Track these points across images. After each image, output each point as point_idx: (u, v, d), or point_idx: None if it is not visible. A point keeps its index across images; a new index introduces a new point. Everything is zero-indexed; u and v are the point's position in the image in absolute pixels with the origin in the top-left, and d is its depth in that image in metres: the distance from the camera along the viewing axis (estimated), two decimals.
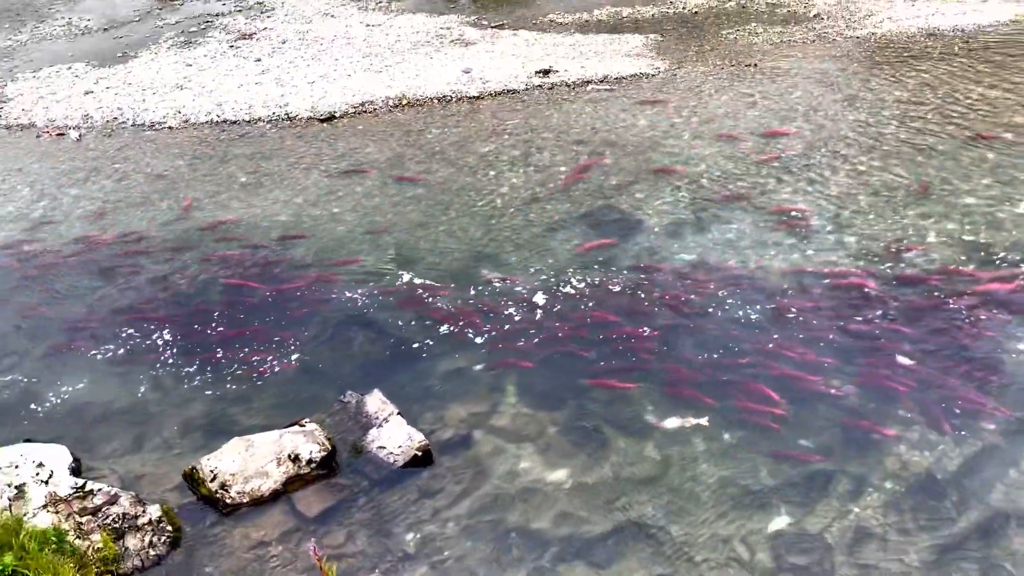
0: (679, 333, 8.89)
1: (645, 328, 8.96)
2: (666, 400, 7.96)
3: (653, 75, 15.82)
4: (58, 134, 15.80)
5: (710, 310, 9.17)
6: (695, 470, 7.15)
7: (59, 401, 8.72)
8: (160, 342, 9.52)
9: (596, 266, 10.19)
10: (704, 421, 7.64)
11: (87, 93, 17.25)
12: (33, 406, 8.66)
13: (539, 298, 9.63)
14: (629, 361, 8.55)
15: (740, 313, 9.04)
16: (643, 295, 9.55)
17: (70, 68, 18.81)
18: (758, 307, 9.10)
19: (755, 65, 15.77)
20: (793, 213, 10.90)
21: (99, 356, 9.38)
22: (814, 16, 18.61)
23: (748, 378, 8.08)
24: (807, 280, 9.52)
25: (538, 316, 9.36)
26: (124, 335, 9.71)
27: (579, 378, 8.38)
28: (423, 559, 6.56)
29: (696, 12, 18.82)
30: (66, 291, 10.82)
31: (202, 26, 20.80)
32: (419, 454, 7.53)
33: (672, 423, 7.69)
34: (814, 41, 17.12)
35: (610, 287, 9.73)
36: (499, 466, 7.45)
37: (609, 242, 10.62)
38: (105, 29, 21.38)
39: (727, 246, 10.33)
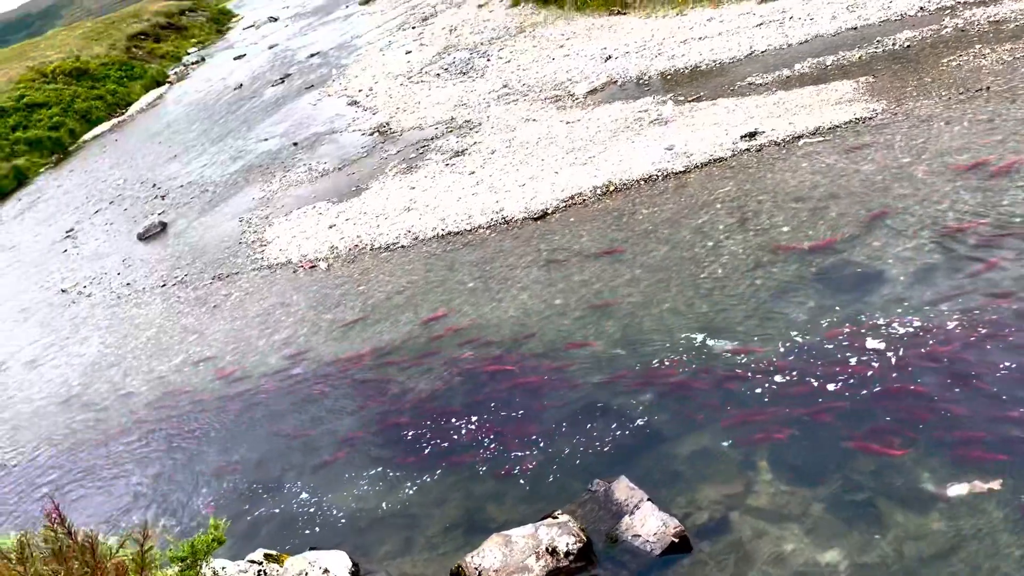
0: (948, 388, 8.01)
1: (908, 384, 8.18)
2: (946, 464, 7.14)
3: (870, 118, 14.94)
4: (311, 266, 17.80)
5: (979, 361, 8.20)
6: (994, 542, 6.28)
7: (335, 510, 9.50)
8: (416, 446, 10.14)
9: (838, 322, 9.54)
10: (996, 484, 6.74)
11: (330, 227, 19.37)
12: (313, 516, 9.51)
13: (779, 365, 9.15)
14: (893, 423, 7.81)
15: (1016, 362, 8.00)
16: (898, 349, 8.76)
17: (314, 207, 21.27)
18: None
19: (987, 88, 14.41)
20: None
21: (365, 466, 10.16)
22: None
23: None
24: None
25: (781, 384, 8.88)
26: (384, 443, 10.47)
27: (839, 446, 7.77)
28: None
29: (908, 46, 17.67)
30: (331, 408, 11.93)
31: (420, 151, 22.80)
32: (676, 540, 7.29)
33: (958, 490, 6.86)
34: None
35: (858, 345, 9.05)
36: (763, 549, 7.01)
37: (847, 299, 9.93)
38: (339, 168, 24.06)
39: (986, 290, 9.28)
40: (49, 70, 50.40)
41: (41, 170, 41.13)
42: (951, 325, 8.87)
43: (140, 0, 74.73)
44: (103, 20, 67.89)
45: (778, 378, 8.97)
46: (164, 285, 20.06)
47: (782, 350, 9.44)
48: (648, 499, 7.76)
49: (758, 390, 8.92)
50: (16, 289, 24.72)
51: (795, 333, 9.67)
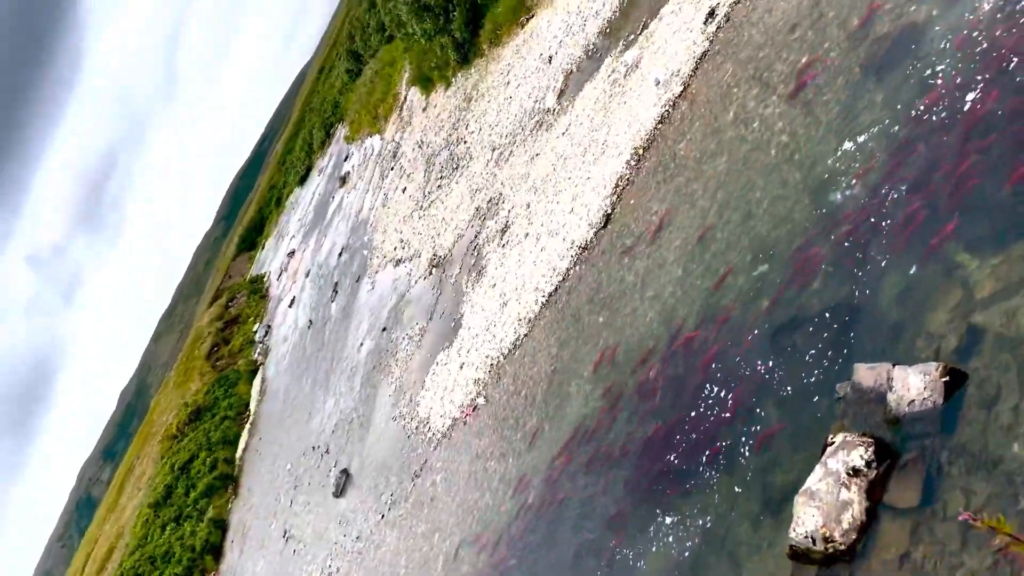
0: None
1: None
2: None
3: None
4: (472, 410, 18.22)
5: None
6: None
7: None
8: (676, 478, 10.06)
9: (920, 93, 9.05)
10: None
11: (461, 367, 19.87)
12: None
13: (891, 163, 8.71)
14: None
15: None
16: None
17: (436, 363, 21.91)
18: None
19: None
20: None
21: (653, 517, 10.14)
22: None
23: None
24: None
25: (905, 178, 8.43)
26: (651, 490, 10.43)
27: (1000, 192, 7.26)
28: None
29: None
30: (582, 505, 12.00)
31: (474, 254, 23.39)
32: (948, 379, 6.88)
33: None
34: None
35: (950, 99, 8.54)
36: None
37: None
38: (428, 318, 24.86)
39: None
40: (173, 431, 54.46)
41: (228, 506, 43.94)
42: None
43: (193, 325, 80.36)
44: (181, 362, 73.21)
45: (898, 176, 8.54)
46: (383, 517, 20.85)
47: (889, 148, 9.01)
48: (894, 364, 7.42)
49: (890, 207, 8.50)
50: None
51: (895, 127, 9.23)
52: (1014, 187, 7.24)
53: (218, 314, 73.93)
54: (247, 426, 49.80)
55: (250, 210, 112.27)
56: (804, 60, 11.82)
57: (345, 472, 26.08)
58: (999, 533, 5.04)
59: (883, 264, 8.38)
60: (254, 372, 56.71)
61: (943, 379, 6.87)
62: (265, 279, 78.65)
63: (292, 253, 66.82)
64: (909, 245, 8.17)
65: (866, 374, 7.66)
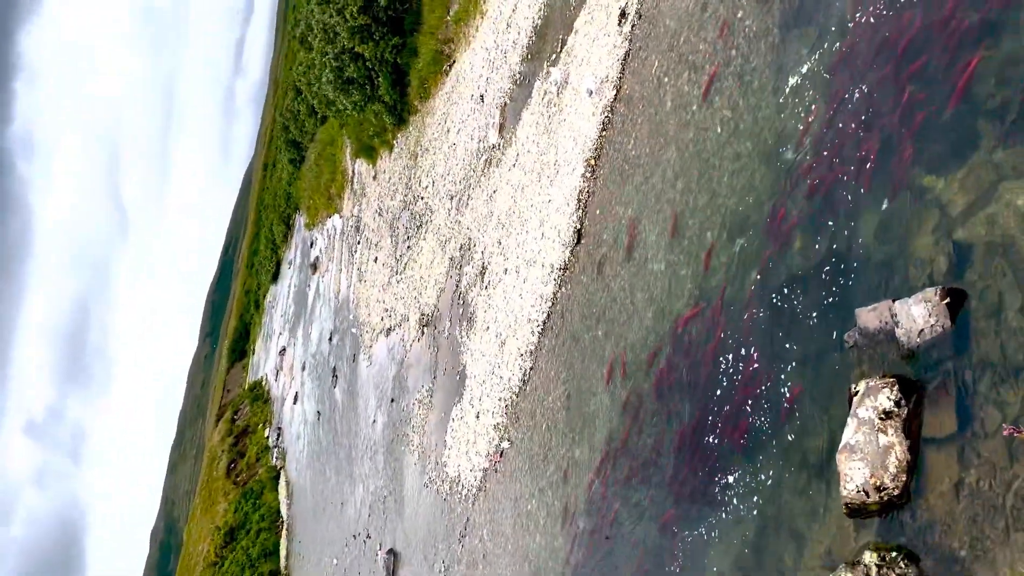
0: None
1: None
2: None
3: None
4: (499, 456, 18.07)
5: None
6: None
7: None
8: (718, 464, 9.99)
9: None
10: None
11: (477, 417, 19.78)
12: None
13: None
14: None
15: None
16: None
17: (452, 420, 21.76)
18: None
19: None
20: None
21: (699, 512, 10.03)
22: None
23: None
24: None
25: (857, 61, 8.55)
26: (702, 486, 10.34)
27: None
28: None
29: None
30: (628, 529, 11.86)
31: (459, 303, 23.42)
32: (949, 300, 6.90)
33: None
34: None
35: None
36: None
37: None
38: (433, 378, 24.79)
39: None
40: (213, 558, 53.60)
41: None
42: None
43: (205, 447, 79.50)
44: (203, 486, 72.30)
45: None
46: None
47: (826, 95, 9.12)
48: (893, 300, 7.45)
49: (844, 151, 8.60)
50: None
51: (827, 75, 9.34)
52: (956, 105, 7.35)
53: (227, 430, 73.23)
54: (283, 532, 49.07)
55: (231, 320, 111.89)
56: (722, 34, 12.02)
57: (392, 552, 25.68)
58: None
59: (854, 207, 8.44)
60: (276, 477, 56.04)
61: (944, 302, 6.89)
62: (264, 383, 78.08)
63: (283, 350, 66.48)
64: (873, 182, 8.25)
65: (869, 317, 7.67)
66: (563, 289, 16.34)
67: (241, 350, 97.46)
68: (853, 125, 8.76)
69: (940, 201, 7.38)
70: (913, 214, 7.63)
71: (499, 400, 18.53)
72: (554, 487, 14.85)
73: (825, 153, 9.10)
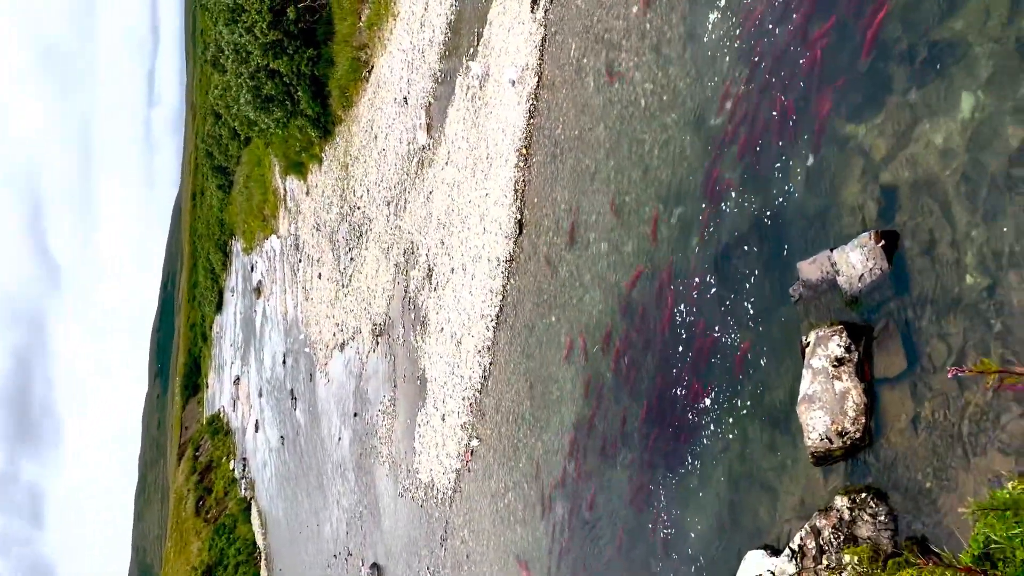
0: None
1: None
2: None
3: None
4: (470, 456, 18.04)
5: None
6: None
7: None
8: (688, 420, 10.12)
9: None
10: None
11: (443, 418, 19.72)
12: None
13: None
14: None
15: None
16: None
17: (419, 424, 21.67)
18: None
19: None
20: None
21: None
22: None
23: None
24: None
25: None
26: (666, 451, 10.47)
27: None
28: None
29: None
30: (607, 503, 11.96)
31: (411, 309, 23.29)
32: (884, 243, 7.09)
33: None
34: None
35: None
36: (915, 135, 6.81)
37: None
38: (394, 385, 24.64)
39: None
40: None
41: None
42: None
43: (171, 488, 77.63)
44: (173, 529, 70.64)
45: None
46: None
47: (741, 57, 9.27)
48: (831, 249, 7.63)
49: (764, 110, 8.76)
50: None
51: (739, 41, 9.50)
52: (869, 54, 7.55)
53: (190, 468, 71.61)
54: (263, 563, 48.26)
55: (180, 356, 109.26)
56: (635, 9, 12.13)
57: (375, 566, 25.47)
58: (987, 374, 5.20)
59: (783, 164, 8.62)
60: (248, 509, 55.05)
61: (879, 244, 7.09)
62: (222, 415, 76.49)
63: (237, 380, 65.21)
64: (797, 137, 8.43)
65: (810, 268, 7.85)
66: (511, 281, 16.35)
67: (194, 385, 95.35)
68: (771, 84, 8.93)
69: (863, 148, 7.58)
70: (839, 164, 7.82)
71: (463, 399, 18.48)
72: (528, 478, 14.88)
73: (747, 114, 9.26)
